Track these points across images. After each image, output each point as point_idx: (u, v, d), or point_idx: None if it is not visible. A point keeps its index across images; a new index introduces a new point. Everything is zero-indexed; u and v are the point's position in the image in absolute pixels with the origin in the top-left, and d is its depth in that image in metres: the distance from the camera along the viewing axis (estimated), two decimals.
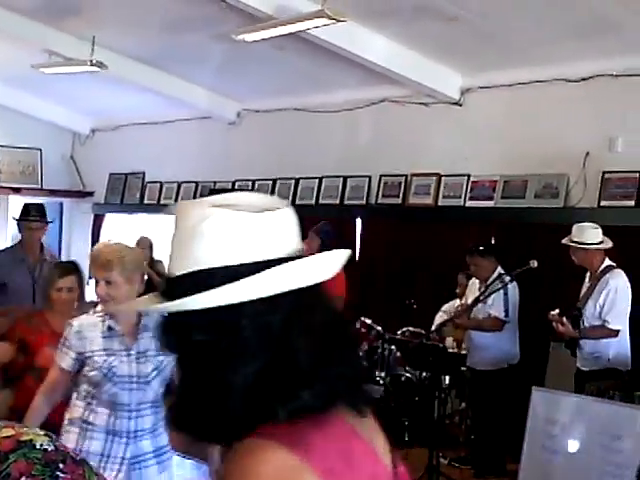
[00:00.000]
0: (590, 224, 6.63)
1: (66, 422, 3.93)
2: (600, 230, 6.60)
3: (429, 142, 8.91)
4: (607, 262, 6.60)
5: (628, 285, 6.49)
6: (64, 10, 8.77)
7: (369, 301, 9.09)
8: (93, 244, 12.82)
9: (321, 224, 7.83)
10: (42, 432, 1.54)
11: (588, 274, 6.75)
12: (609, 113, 7.58)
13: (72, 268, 5.43)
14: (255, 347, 1.33)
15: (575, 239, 6.57)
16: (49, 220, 7.31)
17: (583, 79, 7.68)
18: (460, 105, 8.70)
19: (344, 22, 7.16)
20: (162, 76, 10.28)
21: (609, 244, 6.59)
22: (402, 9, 7.35)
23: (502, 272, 7.13)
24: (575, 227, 6.62)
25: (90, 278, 4.64)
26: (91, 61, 9.23)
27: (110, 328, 3.89)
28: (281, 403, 1.31)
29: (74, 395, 3.97)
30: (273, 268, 1.33)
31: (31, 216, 7.01)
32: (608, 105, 7.59)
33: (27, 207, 7.22)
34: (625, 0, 6.53)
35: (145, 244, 9.55)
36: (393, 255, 9.05)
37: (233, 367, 1.33)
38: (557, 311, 6.54)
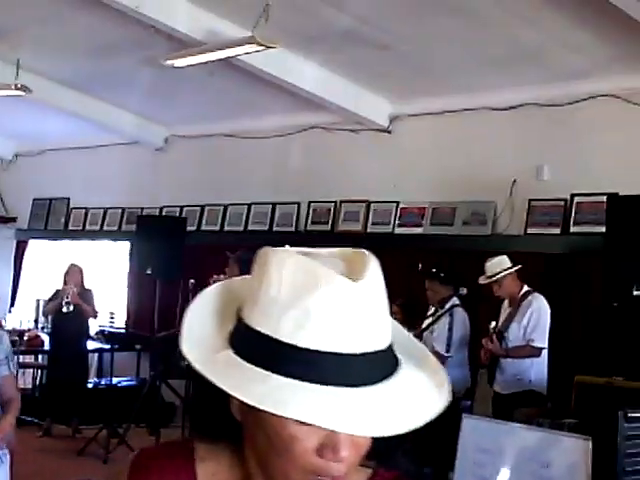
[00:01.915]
0: (493, 258, 6.83)
1: None
2: (505, 256, 6.81)
3: (358, 169, 8.93)
4: (526, 288, 6.81)
5: (548, 309, 6.66)
6: None
7: None
8: (15, 271, 12.56)
9: (240, 252, 7.72)
10: None
11: (507, 301, 6.90)
12: (535, 142, 7.69)
13: None
14: None
15: (490, 274, 6.75)
16: None
17: (510, 108, 7.79)
18: (389, 132, 8.74)
19: (274, 48, 7.16)
20: (89, 100, 10.14)
21: (518, 265, 6.79)
22: (332, 36, 7.36)
23: (456, 303, 7.20)
24: (487, 265, 6.81)
25: None
26: (15, 85, 9.05)
27: None
28: None
29: None
30: None
31: None
32: (534, 134, 7.70)
33: None
34: (549, 31, 6.64)
35: (75, 272, 9.31)
36: None
37: None
38: (494, 324, 6.68)
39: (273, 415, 1.09)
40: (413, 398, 1.15)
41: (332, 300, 1.11)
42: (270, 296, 1.14)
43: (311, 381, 1.10)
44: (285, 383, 1.10)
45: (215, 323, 1.22)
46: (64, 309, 8.93)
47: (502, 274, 6.76)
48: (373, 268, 1.16)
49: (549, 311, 6.68)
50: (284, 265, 1.14)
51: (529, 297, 6.76)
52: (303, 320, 1.11)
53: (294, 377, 1.10)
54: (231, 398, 1.15)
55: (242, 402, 1.11)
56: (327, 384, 1.10)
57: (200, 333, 1.20)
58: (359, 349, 1.12)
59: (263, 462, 1.20)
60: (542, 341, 6.66)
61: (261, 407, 1.08)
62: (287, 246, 1.21)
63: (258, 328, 1.14)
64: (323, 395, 1.10)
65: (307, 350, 1.11)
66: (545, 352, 6.70)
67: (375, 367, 1.14)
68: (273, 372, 1.11)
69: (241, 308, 1.20)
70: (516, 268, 6.79)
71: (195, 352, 1.17)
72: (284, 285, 1.13)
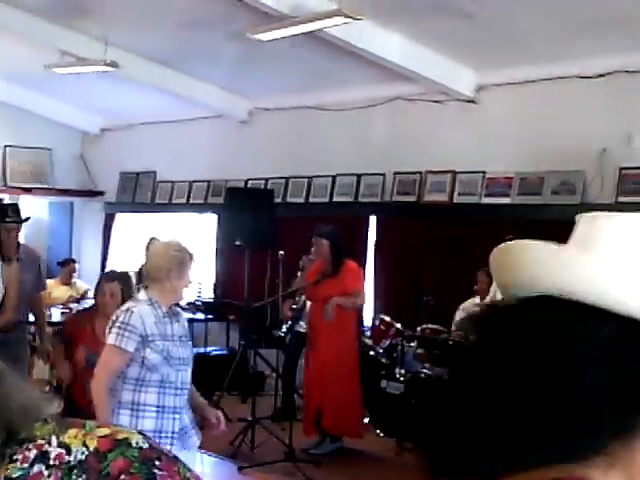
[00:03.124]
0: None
1: (113, 406, 4.33)
2: None
3: (444, 139, 8.92)
4: None
5: None
6: (76, 10, 8.80)
7: (385, 299, 9.11)
8: (104, 243, 12.86)
9: (319, 226, 7.77)
10: (135, 430, 1.57)
11: None
12: (625, 109, 7.60)
13: (117, 276, 6.02)
14: None
15: None
16: (24, 219, 7.37)
17: (599, 75, 7.70)
18: (475, 102, 8.71)
19: (360, 20, 7.19)
20: (174, 75, 10.29)
21: None
22: (417, 7, 7.37)
23: None
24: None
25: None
26: (104, 61, 9.25)
27: (165, 315, 4.36)
28: None
29: (118, 380, 4.35)
30: None
31: (8, 217, 7.05)
32: (624, 101, 7.61)
33: (3, 208, 7.27)
34: None
35: None
36: (408, 253, 9.06)
37: None
38: None
39: None
40: None
41: None
42: None
43: None
44: None
45: None
46: None
47: None
48: None
49: None
50: None
51: None
52: None
53: None
54: None
55: None
56: None
57: None
58: None
59: None
60: None
61: None
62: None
63: None
64: None
65: None
66: None
67: None
68: None
69: None
70: None
71: None
72: None
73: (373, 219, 9.61)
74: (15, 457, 1.38)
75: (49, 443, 1.41)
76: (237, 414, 8.23)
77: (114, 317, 4.38)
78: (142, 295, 4.44)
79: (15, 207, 7.36)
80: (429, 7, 7.31)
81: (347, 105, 9.73)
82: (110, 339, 4.31)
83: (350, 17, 7.07)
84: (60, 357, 6.12)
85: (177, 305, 4.72)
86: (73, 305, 9.65)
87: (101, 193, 13.34)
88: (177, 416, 4.36)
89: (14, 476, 1.37)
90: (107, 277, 6.02)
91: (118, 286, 5.78)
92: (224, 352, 10.19)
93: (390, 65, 8.35)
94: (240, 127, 11.16)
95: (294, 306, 8.25)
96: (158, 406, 4.29)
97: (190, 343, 4.52)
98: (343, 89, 9.65)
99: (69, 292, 10.18)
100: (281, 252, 8.17)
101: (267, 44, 8.01)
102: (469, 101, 8.74)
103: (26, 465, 1.38)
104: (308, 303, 7.92)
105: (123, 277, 6.02)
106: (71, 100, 12.56)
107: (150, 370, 4.28)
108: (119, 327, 4.28)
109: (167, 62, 10.04)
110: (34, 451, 1.39)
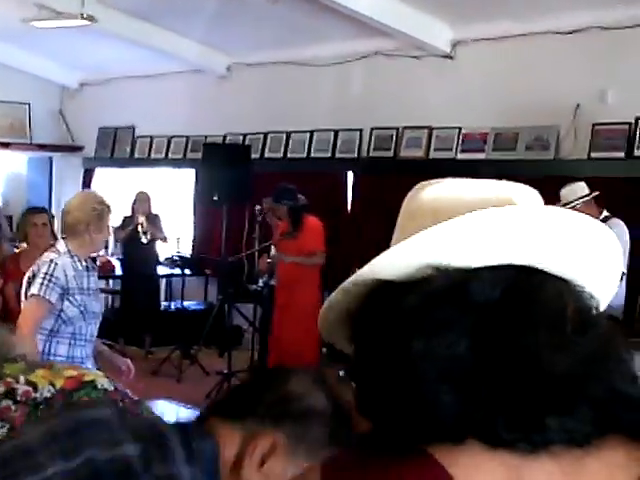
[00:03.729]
0: (572, 183, 6.79)
1: None
2: (582, 182, 6.79)
3: (420, 95, 8.96)
4: (605, 214, 6.74)
5: (627, 233, 6.51)
6: None
7: (361, 254, 9.18)
8: None
9: (276, 191, 7.87)
10: (102, 374, 1.65)
11: None
12: (600, 65, 7.65)
13: (43, 209, 6.48)
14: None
15: (564, 201, 6.65)
16: None
17: (574, 31, 7.74)
18: (451, 58, 8.75)
19: None
20: (153, 29, 10.24)
21: (595, 192, 6.75)
22: None
23: None
24: (562, 192, 6.72)
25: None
26: (82, 15, 9.19)
27: (83, 268, 4.43)
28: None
29: None
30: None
31: None
32: (599, 57, 7.66)
33: None
34: None
35: (144, 199, 9.65)
36: (385, 208, 9.10)
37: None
38: None
39: None
40: None
41: None
42: None
43: None
44: None
45: None
46: (143, 240, 9.31)
47: (577, 202, 6.68)
48: None
49: (627, 236, 6.52)
50: None
51: (606, 224, 6.60)
52: None
53: None
54: None
55: None
56: None
57: None
58: None
59: None
60: (622, 266, 6.55)
61: None
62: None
63: None
64: None
65: None
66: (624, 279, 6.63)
67: None
68: None
69: None
70: (593, 195, 6.74)
71: None
72: None
73: (350, 174, 9.67)
74: None
75: (17, 381, 1.49)
76: (214, 367, 8.36)
77: (35, 267, 4.42)
78: (62, 247, 4.47)
79: None
80: None
81: (325, 60, 9.73)
82: (34, 289, 4.33)
83: None
84: None
85: (94, 260, 4.82)
86: None
87: (80, 148, 13.30)
88: (84, 366, 4.38)
89: None
90: (35, 210, 6.38)
91: (47, 217, 6.12)
92: (202, 306, 10.29)
93: (367, 20, 8.35)
94: (219, 82, 11.14)
95: (269, 260, 8.34)
96: (68, 357, 4.37)
97: (101, 297, 4.62)
98: (321, 44, 9.63)
99: None
100: (257, 207, 8.23)
101: None
102: (445, 56, 8.77)
103: None
104: None
105: (48, 210, 6.46)
106: (50, 54, 12.46)
107: (65, 323, 4.36)
108: (43, 277, 4.31)
109: (146, 16, 9.99)
110: (2, 388, 1.47)
